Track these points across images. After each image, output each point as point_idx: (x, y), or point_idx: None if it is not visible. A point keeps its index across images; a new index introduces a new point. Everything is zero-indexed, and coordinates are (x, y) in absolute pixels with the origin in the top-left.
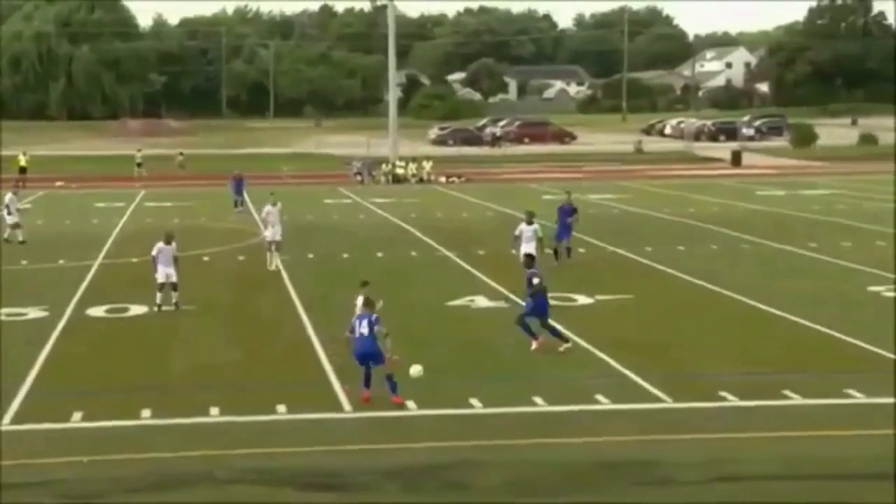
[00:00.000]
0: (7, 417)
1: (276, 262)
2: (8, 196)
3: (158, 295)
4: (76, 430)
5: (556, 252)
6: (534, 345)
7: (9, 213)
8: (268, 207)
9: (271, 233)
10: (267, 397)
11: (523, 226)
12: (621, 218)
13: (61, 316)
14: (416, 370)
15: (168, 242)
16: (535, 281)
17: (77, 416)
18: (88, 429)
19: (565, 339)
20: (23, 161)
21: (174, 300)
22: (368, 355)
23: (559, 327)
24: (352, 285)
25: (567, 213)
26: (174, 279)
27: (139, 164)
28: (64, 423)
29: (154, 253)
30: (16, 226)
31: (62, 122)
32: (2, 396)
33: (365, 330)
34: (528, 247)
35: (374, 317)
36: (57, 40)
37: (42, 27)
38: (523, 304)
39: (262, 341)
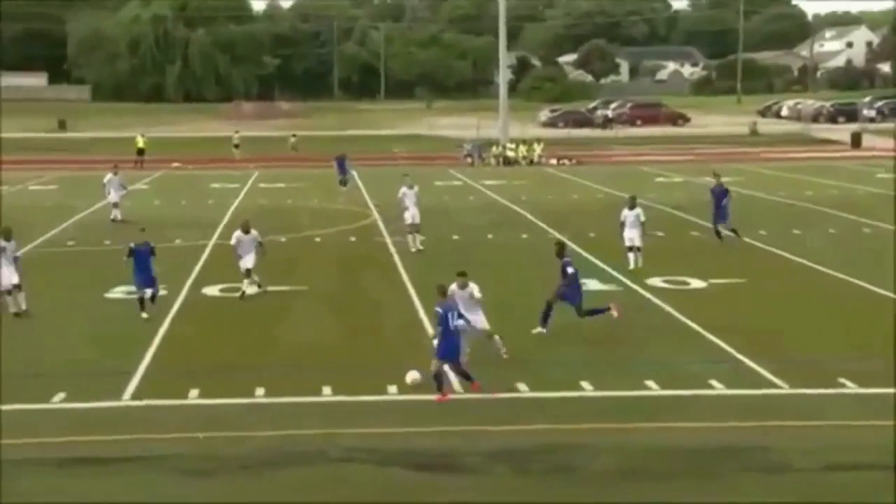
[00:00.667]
0: (127, 393)
1: (417, 243)
2: (108, 176)
3: (246, 282)
4: (192, 407)
5: (717, 233)
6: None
7: (108, 193)
8: (404, 189)
9: (410, 215)
10: (378, 378)
11: (626, 211)
12: (735, 201)
13: (178, 295)
14: (412, 377)
15: (246, 231)
16: (570, 270)
17: (194, 392)
18: (204, 405)
19: (603, 310)
20: (141, 142)
21: (253, 288)
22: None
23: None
24: (460, 267)
25: (720, 195)
26: (249, 265)
27: (236, 146)
28: (181, 399)
29: (233, 242)
30: (115, 205)
31: (178, 105)
32: (121, 373)
33: (458, 323)
34: (630, 232)
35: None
36: (174, 24)
37: (159, 11)
38: (635, 287)
39: (374, 322)
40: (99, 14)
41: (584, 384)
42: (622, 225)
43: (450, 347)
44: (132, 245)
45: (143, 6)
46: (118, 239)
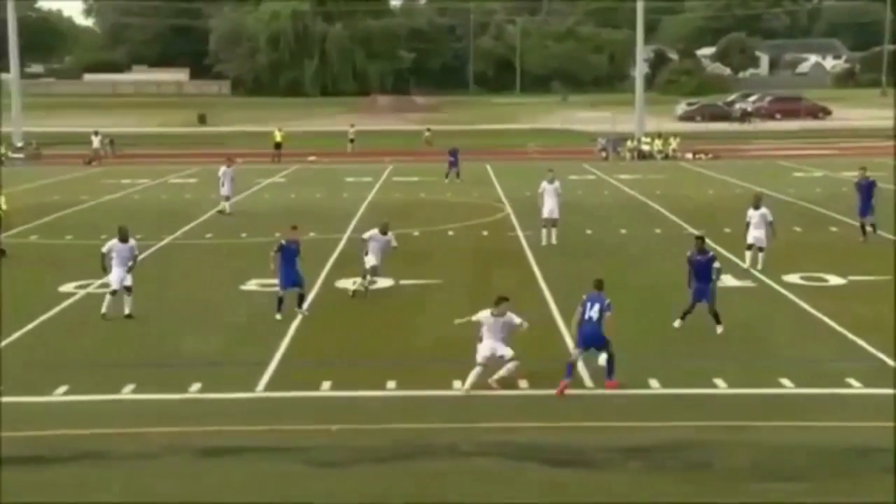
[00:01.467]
0: (261, 384)
1: (552, 238)
2: (222, 169)
3: (358, 280)
4: (325, 399)
5: (862, 228)
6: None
7: (222, 185)
8: (544, 184)
9: (547, 209)
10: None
11: (751, 210)
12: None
13: (312, 287)
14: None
15: (384, 233)
16: (717, 265)
17: (326, 385)
18: (337, 397)
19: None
20: (278, 136)
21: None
22: (593, 339)
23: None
24: (593, 262)
25: (867, 188)
26: (375, 262)
27: (352, 140)
28: (314, 391)
29: (365, 236)
30: (226, 198)
31: (315, 99)
32: (256, 364)
33: (595, 314)
34: (756, 232)
35: (605, 301)
36: (312, 19)
37: (299, 6)
38: (771, 283)
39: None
40: (241, 9)
41: (718, 381)
42: (748, 225)
43: (583, 337)
44: (283, 241)
45: (282, 2)
46: (253, 231)
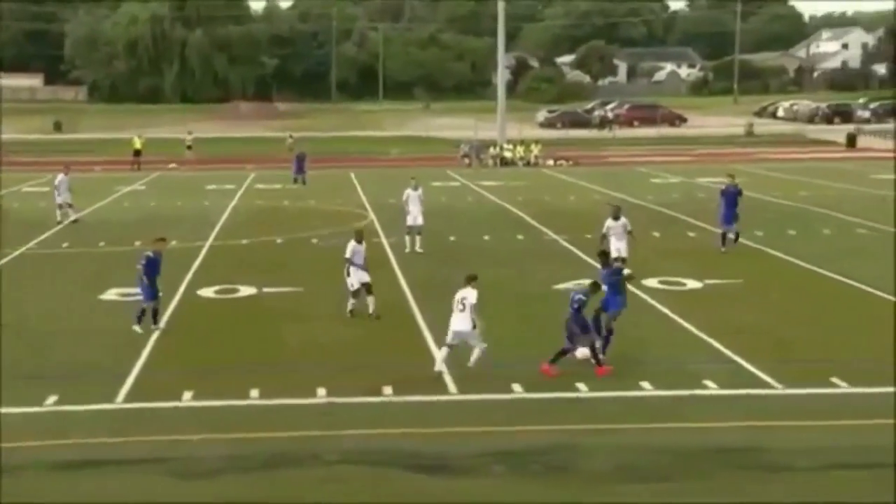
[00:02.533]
0: (121, 395)
1: (416, 245)
2: (59, 177)
3: (351, 301)
4: (188, 409)
5: (723, 237)
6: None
7: (58, 194)
8: (408, 191)
9: (412, 217)
10: (374, 379)
11: (610, 221)
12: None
13: (174, 296)
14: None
15: (360, 242)
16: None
17: (188, 395)
18: (198, 407)
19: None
20: (137, 143)
21: (373, 308)
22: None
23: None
24: (458, 268)
25: (731, 196)
26: (367, 279)
27: (189, 147)
28: (175, 401)
29: (349, 255)
30: (66, 205)
31: (175, 105)
32: (117, 375)
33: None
34: (618, 244)
35: (577, 296)
36: (171, 24)
37: (157, 11)
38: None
39: (371, 323)
40: (97, 14)
41: (580, 385)
42: (603, 236)
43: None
44: (149, 253)
45: (140, 6)
46: (112, 240)
